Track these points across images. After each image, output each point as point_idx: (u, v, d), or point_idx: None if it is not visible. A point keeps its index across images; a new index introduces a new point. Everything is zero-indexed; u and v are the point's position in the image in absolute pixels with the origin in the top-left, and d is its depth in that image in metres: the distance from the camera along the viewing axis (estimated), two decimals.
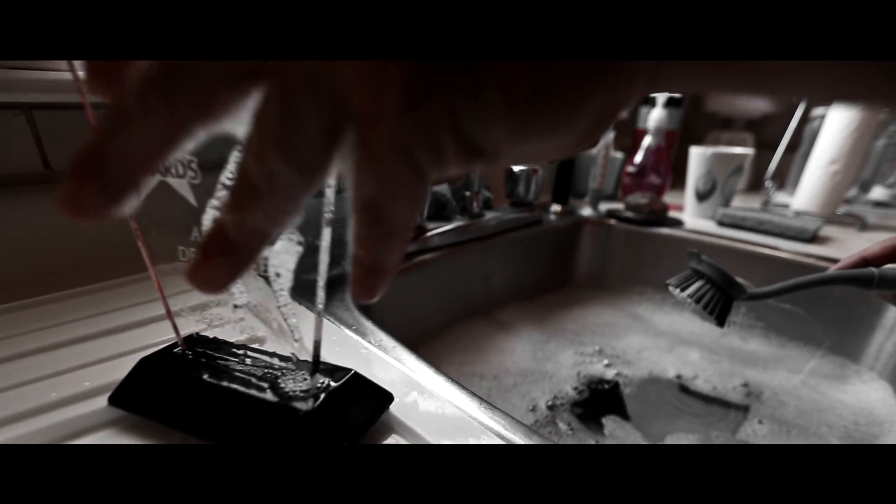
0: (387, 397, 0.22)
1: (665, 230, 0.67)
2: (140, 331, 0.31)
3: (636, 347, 0.55)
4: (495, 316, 0.59)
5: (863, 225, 0.70)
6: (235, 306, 0.20)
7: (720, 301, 0.37)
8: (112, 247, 0.41)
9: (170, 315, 0.22)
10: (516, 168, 0.60)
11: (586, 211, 0.73)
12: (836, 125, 0.68)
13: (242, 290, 0.21)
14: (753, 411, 0.46)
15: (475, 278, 0.56)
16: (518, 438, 0.22)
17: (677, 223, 0.69)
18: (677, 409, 0.47)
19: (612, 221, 0.69)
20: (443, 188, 0.54)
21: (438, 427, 0.21)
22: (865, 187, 0.83)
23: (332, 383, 0.20)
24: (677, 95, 0.74)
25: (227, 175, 0.17)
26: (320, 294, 0.17)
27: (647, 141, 0.75)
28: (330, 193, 0.15)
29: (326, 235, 0.16)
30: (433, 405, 0.23)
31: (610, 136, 0.72)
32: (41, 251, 0.37)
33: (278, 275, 0.17)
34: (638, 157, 0.76)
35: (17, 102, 0.34)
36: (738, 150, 0.71)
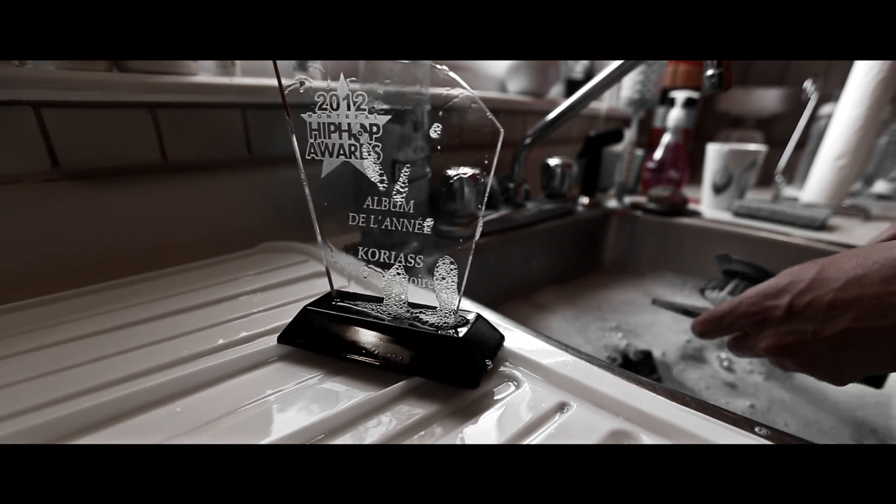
0: (501, 336, 0.27)
1: (686, 220, 0.72)
2: (287, 288, 0.36)
3: (647, 322, 0.61)
4: (533, 297, 0.65)
5: (867, 216, 0.75)
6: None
7: None
8: (239, 221, 0.48)
9: (328, 271, 0.28)
10: (552, 162, 0.66)
11: (612, 203, 0.79)
12: (843, 123, 0.73)
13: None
14: (770, 376, 0.52)
15: (517, 261, 0.62)
16: (595, 367, 0.27)
17: (696, 214, 0.75)
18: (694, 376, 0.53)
19: (638, 212, 0.75)
20: (491, 180, 0.59)
21: (541, 358, 0.27)
22: (869, 181, 0.89)
23: (469, 319, 0.25)
24: (695, 96, 0.80)
25: (405, 170, 0.22)
26: (469, 256, 0.23)
27: (667, 138, 0.81)
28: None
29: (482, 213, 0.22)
30: (529, 344, 0.28)
31: (633, 135, 0.78)
32: (158, 229, 0.43)
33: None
34: (658, 154, 0.82)
35: (146, 102, 0.40)
36: (752, 146, 0.77)
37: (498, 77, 0.79)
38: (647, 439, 0.21)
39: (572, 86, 0.92)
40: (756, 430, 0.22)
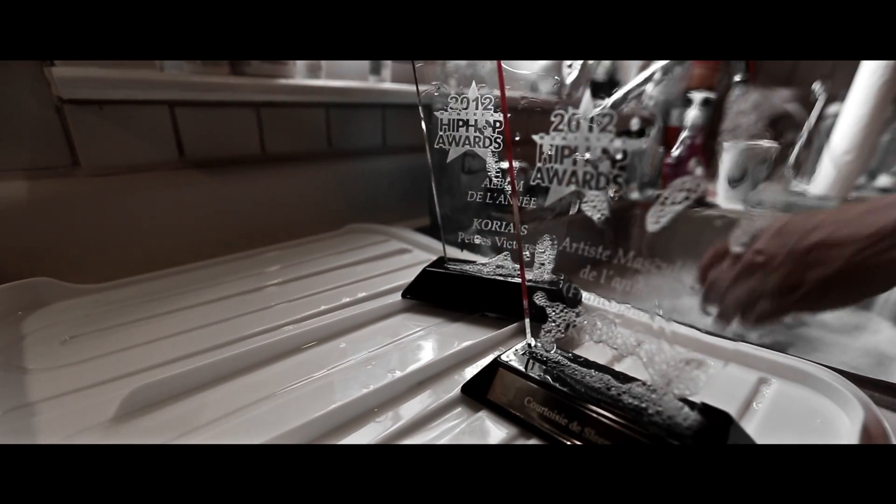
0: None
1: (704, 211, 0.79)
2: (380, 262, 0.43)
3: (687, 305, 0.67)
4: None
5: None
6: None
7: None
8: (322, 206, 0.54)
9: (443, 239, 0.34)
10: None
11: (634, 195, 0.85)
12: (850, 121, 0.80)
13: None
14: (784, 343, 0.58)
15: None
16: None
17: (713, 205, 0.81)
18: None
19: None
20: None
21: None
22: (873, 176, 0.95)
23: (556, 283, 0.32)
24: (711, 96, 0.86)
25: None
26: (565, 228, 0.29)
27: (686, 136, 0.87)
28: None
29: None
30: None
31: (656, 132, 0.84)
32: (259, 210, 0.49)
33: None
34: (677, 150, 0.88)
35: (254, 101, 0.46)
36: (765, 143, 0.84)
37: (530, 78, 0.85)
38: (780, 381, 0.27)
39: (595, 87, 0.98)
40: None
